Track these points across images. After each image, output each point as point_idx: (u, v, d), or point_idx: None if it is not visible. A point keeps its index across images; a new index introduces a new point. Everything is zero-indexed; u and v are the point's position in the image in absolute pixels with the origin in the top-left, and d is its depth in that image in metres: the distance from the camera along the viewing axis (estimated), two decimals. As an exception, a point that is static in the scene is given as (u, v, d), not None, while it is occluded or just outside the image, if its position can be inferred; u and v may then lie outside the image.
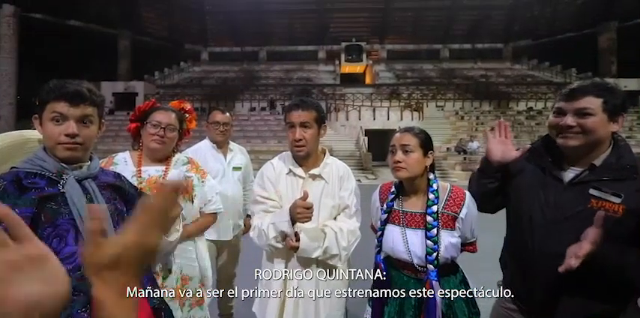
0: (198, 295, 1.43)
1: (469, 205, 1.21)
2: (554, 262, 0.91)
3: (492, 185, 1.17)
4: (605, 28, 21.69)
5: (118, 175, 1.01)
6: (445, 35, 25.35)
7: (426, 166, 1.24)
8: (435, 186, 1.22)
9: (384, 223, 1.26)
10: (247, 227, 2.38)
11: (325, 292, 1.30)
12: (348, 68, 25.27)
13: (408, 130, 1.26)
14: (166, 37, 24.75)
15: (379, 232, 1.28)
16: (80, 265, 0.79)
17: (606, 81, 1.04)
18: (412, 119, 16.96)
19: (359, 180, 12.09)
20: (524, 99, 19.34)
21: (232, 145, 2.28)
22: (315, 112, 1.33)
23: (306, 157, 1.36)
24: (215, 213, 1.55)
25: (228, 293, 2.20)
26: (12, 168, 0.87)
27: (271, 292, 1.32)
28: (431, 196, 1.20)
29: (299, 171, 1.36)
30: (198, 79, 23.20)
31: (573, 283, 0.97)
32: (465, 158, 12.87)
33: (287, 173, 1.37)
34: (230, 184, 2.15)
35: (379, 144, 15.96)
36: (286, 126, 1.36)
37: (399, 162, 1.21)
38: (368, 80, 24.72)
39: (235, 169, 2.22)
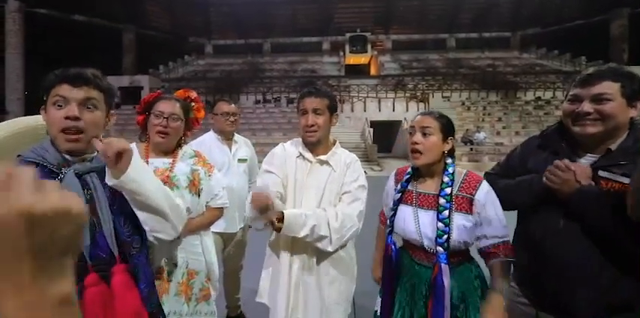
0: (205, 289, 1.42)
1: (485, 189, 1.16)
2: (569, 249, 0.91)
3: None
4: (617, 15, 21.03)
5: None
6: (451, 24, 24.82)
7: (444, 152, 1.20)
8: (450, 170, 1.18)
9: (397, 203, 1.25)
10: None
11: (328, 282, 1.32)
12: (352, 59, 24.97)
13: (429, 113, 1.23)
14: (170, 31, 24.64)
15: (392, 212, 1.26)
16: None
17: (622, 66, 1.01)
18: (418, 110, 16.79)
19: (364, 172, 11.96)
20: (532, 88, 18.98)
21: (237, 137, 2.29)
22: (328, 99, 1.37)
23: (316, 144, 1.38)
24: (222, 207, 1.55)
25: (235, 285, 2.28)
26: (18, 156, 0.84)
27: (271, 280, 1.35)
28: (445, 178, 1.17)
29: (308, 155, 1.39)
30: (203, 72, 23.17)
31: (588, 272, 0.95)
32: (471, 149, 12.76)
33: (297, 156, 1.40)
34: (235, 176, 2.17)
35: (385, 135, 15.89)
36: (299, 113, 1.39)
37: (417, 144, 1.18)
38: (373, 71, 24.44)
39: (240, 161, 2.24)
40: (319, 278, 1.32)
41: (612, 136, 0.97)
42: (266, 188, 1.19)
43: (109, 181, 0.84)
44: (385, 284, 1.26)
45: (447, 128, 1.20)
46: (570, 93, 1.02)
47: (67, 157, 0.85)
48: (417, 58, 24.27)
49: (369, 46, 24.95)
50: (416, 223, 1.19)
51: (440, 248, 1.13)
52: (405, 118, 15.26)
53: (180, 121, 1.41)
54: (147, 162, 1.39)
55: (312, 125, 1.34)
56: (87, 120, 0.83)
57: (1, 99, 15.88)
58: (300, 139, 1.44)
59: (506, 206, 1.16)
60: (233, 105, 2.21)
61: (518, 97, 18.67)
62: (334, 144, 1.45)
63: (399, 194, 1.25)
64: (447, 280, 1.10)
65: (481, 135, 13.17)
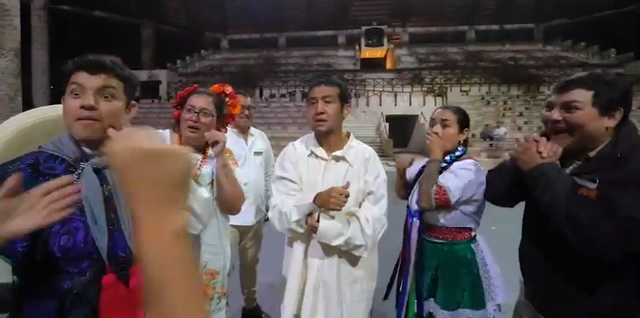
0: (223, 287, 1.41)
1: (462, 163, 1.39)
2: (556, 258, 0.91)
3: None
4: (651, 4, 19.87)
5: None
6: (471, 16, 24.04)
7: (460, 141, 1.44)
8: (457, 153, 1.43)
9: (414, 184, 1.50)
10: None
11: (350, 282, 1.28)
12: (368, 53, 24.63)
13: (448, 107, 1.48)
14: (187, 26, 24.93)
15: (410, 191, 1.51)
16: (87, 270, 0.73)
17: (610, 72, 0.98)
18: (435, 104, 16.43)
19: (379, 167, 11.91)
20: (556, 82, 18.12)
21: (253, 130, 2.29)
22: (338, 88, 1.30)
23: (327, 135, 1.31)
24: (243, 196, 1.44)
25: (252, 278, 2.29)
26: (39, 148, 0.79)
27: (290, 278, 1.31)
28: (447, 157, 1.42)
29: (321, 152, 1.32)
30: (219, 66, 23.37)
31: (577, 280, 0.94)
32: (491, 145, 12.42)
33: (309, 155, 1.34)
34: (252, 168, 2.16)
35: (401, 130, 15.66)
36: (308, 103, 1.34)
37: (436, 133, 1.42)
38: (389, 65, 24.05)
39: (256, 153, 2.23)
40: (340, 279, 1.28)
41: (590, 145, 0.94)
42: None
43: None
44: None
45: (464, 121, 1.44)
46: (548, 101, 1.03)
47: (85, 150, 0.79)
48: (434, 52, 23.71)
49: (385, 40, 24.52)
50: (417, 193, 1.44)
51: (415, 205, 1.44)
52: (421, 113, 14.98)
53: (212, 117, 1.35)
54: None
55: (322, 113, 1.27)
56: (104, 110, 0.78)
57: (28, 93, 16.50)
58: (311, 136, 1.38)
59: (488, 192, 1.25)
60: (249, 98, 2.20)
61: (541, 92, 17.97)
62: (348, 137, 1.38)
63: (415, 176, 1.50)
64: (414, 236, 1.41)
65: (501, 130, 12.79)
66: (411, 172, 1.55)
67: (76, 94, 0.78)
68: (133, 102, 0.88)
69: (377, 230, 1.27)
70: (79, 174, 0.76)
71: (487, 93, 17.43)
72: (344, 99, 1.31)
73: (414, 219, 1.43)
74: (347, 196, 1.18)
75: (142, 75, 20.42)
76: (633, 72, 18.84)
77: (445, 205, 1.32)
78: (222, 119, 1.43)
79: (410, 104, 16.14)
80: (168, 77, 20.87)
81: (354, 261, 1.30)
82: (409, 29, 25.30)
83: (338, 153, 1.32)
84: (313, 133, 1.38)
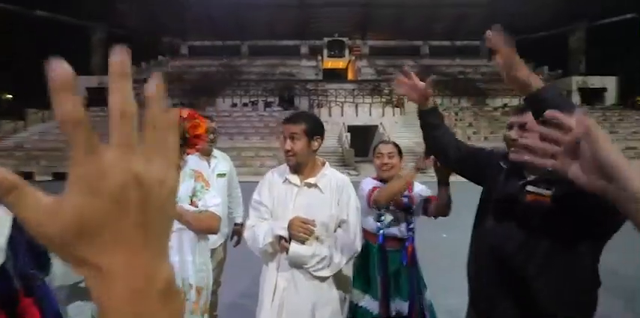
0: (207, 302, 1.51)
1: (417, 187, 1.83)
2: (498, 260, 1.02)
3: (436, 132, 1.27)
4: (575, 28, 22.60)
5: None
6: (425, 32, 25.67)
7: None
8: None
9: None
10: (238, 234, 2.40)
11: (322, 303, 1.37)
12: (330, 63, 25.23)
13: (389, 142, 1.95)
14: (143, 30, 23.87)
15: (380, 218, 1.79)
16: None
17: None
18: (393, 115, 17.22)
19: (341, 176, 12.19)
20: (499, 95, 19.98)
21: (216, 151, 2.31)
22: (305, 124, 1.40)
23: (298, 167, 1.44)
24: (218, 217, 1.53)
25: (214, 302, 2.28)
26: None
27: (264, 300, 1.39)
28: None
29: (295, 179, 1.44)
30: (178, 73, 22.59)
31: (512, 285, 1.03)
32: (443, 154, 13.24)
33: (283, 181, 1.46)
34: (215, 191, 2.19)
35: (361, 140, 16.14)
36: (280, 137, 1.48)
37: (386, 164, 1.82)
38: (350, 76, 24.79)
39: (219, 175, 2.26)
40: (311, 300, 1.36)
41: None
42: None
43: None
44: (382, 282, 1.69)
45: (400, 151, 1.88)
46: (509, 120, 1.15)
47: None
48: (392, 64, 24.85)
49: (346, 51, 25.30)
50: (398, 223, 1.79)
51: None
52: (381, 123, 15.60)
53: None
54: None
55: (289, 150, 1.40)
56: None
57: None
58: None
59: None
60: (214, 123, 2.24)
61: (487, 104, 19.57)
62: (323, 165, 1.50)
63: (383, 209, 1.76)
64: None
65: (453, 140, 13.68)
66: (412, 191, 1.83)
67: None
68: None
69: (346, 257, 1.40)
70: None
71: (440, 104, 18.60)
72: (311, 134, 1.41)
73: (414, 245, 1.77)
74: (313, 225, 1.31)
75: (92, 81, 19.19)
76: (562, 87, 21.21)
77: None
78: (187, 143, 1.50)
79: (370, 115, 16.74)
80: (122, 83, 19.77)
81: (326, 283, 1.40)
82: (369, 42, 26.37)
83: (310, 180, 1.43)
84: None
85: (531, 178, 1.05)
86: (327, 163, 1.53)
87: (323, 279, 1.38)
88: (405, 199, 1.76)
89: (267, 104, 19.24)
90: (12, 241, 0.84)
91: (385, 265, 1.70)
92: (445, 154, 1.28)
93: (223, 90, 19.98)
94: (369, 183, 1.84)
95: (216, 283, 2.28)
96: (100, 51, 21.76)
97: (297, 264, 1.35)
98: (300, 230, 1.31)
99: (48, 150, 13.33)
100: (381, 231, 1.74)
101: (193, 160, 2.19)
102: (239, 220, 2.44)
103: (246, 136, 14.95)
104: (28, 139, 15.00)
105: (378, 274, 1.68)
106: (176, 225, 1.39)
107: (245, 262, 1.51)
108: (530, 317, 1.02)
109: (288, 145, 1.40)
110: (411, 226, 1.76)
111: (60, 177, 11.48)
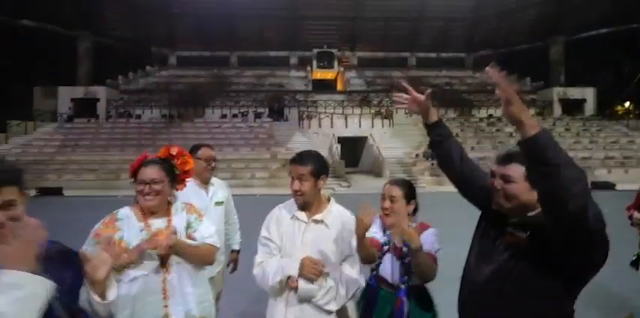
0: None
1: (424, 235, 1.53)
2: (477, 296, 1.09)
3: (443, 148, 1.34)
4: (555, 42, 23.58)
5: None
6: (412, 44, 26.35)
7: (408, 212, 1.58)
8: (413, 225, 1.55)
9: (385, 253, 1.61)
10: (234, 262, 2.41)
11: None
12: (319, 74, 25.53)
13: (395, 182, 1.65)
14: (131, 39, 23.71)
15: (379, 261, 1.60)
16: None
17: None
18: (383, 126, 17.46)
19: (332, 188, 12.28)
20: (484, 106, 20.53)
21: (214, 179, 2.31)
22: (312, 166, 1.45)
23: (306, 205, 1.50)
24: (215, 247, 1.56)
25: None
26: None
27: None
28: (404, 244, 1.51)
29: (302, 216, 1.49)
30: (166, 84, 22.44)
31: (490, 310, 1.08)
32: (432, 164, 13.44)
33: (291, 218, 1.50)
34: (213, 220, 2.18)
35: (351, 151, 16.27)
36: (289, 176, 1.53)
37: (386, 209, 1.58)
38: (339, 87, 25.11)
39: (217, 204, 2.26)
40: None
41: (527, 210, 1.06)
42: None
43: None
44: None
45: (410, 193, 1.60)
46: (490, 168, 1.18)
47: None
48: (380, 75, 25.35)
49: (335, 62, 25.68)
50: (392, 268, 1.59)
51: (402, 285, 1.54)
52: (370, 135, 15.78)
53: (163, 183, 1.46)
54: (147, 224, 1.44)
55: (298, 190, 1.45)
56: None
57: None
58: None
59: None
60: (213, 151, 2.25)
61: (473, 114, 20.06)
62: (329, 201, 1.56)
63: (387, 246, 1.60)
64: (406, 308, 1.53)
65: (441, 151, 13.92)
66: (371, 233, 1.57)
67: None
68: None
69: (350, 290, 1.44)
70: None
71: (428, 115, 18.95)
72: (318, 174, 1.47)
73: (404, 298, 1.52)
74: (323, 266, 1.36)
75: (78, 91, 18.93)
76: (544, 98, 21.97)
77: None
78: (176, 180, 1.54)
79: (360, 126, 16.92)
80: (108, 94, 19.52)
81: (333, 317, 1.44)
82: (358, 53, 26.86)
83: (317, 217, 1.48)
84: None
85: (514, 220, 1.11)
86: (332, 198, 1.58)
87: (331, 313, 1.42)
88: (405, 249, 1.52)
89: (257, 115, 19.26)
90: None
91: (372, 306, 1.61)
92: (450, 172, 1.35)
93: (212, 100, 19.91)
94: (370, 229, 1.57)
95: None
96: (87, 61, 21.47)
97: (305, 298, 1.39)
98: (311, 271, 1.35)
99: (31, 163, 12.95)
100: (374, 272, 1.63)
101: (191, 189, 2.19)
102: (236, 247, 2.44)
103: (235, 148, 14.88)
104: (10, 152, 14.55)
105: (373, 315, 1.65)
106: (175, 259, 1.41)
107: (242, 290, 1.52)
108: None
109: (297, 185, 1.45)
110: (405, 278, 1.53)
111: (45, 192, 11.13)
